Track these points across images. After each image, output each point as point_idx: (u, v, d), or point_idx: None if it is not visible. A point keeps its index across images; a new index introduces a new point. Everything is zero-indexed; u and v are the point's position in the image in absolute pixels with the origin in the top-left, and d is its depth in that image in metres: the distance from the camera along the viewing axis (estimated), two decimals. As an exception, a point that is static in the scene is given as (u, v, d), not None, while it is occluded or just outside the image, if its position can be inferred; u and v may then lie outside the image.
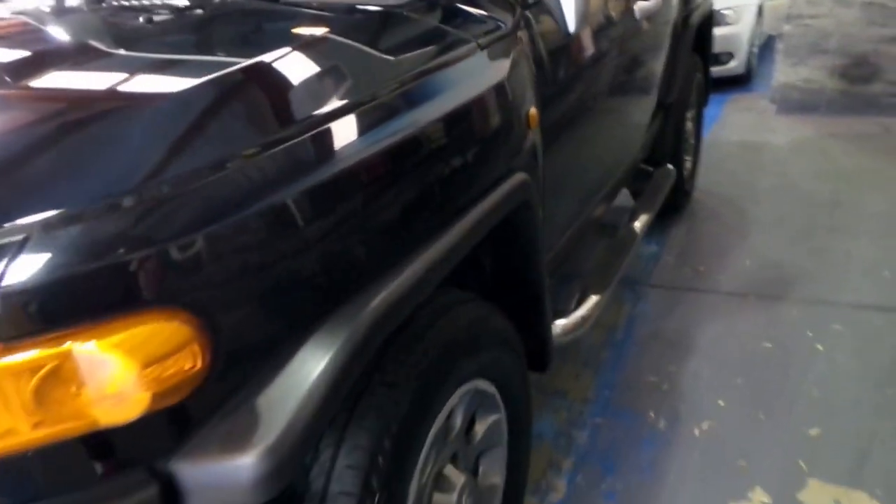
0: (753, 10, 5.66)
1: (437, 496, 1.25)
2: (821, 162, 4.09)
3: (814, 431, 1.96)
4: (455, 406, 1.26)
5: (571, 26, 1.55)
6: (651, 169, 3.04)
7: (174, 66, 1.07)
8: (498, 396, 1.41)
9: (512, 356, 1.42)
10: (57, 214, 0.73)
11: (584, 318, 1.93)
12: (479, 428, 1.39)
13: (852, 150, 4.22)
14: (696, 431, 2.00)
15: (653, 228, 3.15)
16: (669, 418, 2.06)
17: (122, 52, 1.15)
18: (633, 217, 2.57)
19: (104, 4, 1.55)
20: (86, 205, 0.74)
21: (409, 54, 1.19)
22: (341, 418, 1.01)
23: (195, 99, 0.90)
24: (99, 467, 0.78)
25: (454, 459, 1.31)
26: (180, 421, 0.81)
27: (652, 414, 2.09)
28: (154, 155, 0.82)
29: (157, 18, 1.34)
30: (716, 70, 4.53)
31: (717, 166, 4.05)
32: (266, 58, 1.02)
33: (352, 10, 1.33)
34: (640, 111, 2.58)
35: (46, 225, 0.72)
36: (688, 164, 3.47)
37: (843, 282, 2.73)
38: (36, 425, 0.72)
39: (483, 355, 1.29)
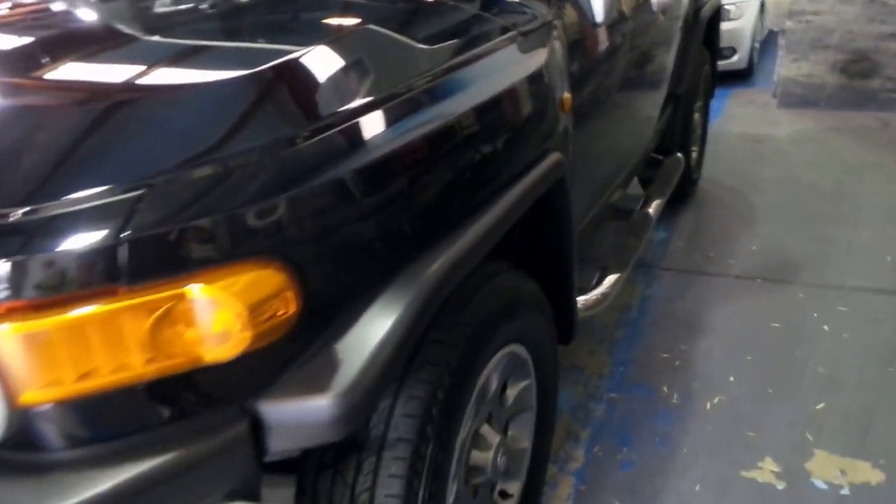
0: (756, 5, 5.75)
1: (474, 453, 1.34)
2: (822, 154, 4.18)
3: (820, 406, 2.05)
4: (492, 370, 1.35)
5: (598, 17, 1.63)
6: (661, 158, 3.13)
7: (250, 51, 1.15)
8: (530, 362, 1.50)
9: (544, 324, 1.51)
10: (172, 174, 0.81)
11: (604, 295, 2.02)
12: (511, 392, 1.47)
13: (852, 143, 4.32)
14: (708, 405, 2.09)
15: (662, 216, 3.23)
16: (682, 393, 2.15)
17: (201, 40, 1.24)
18: (647, 202, 2.66)
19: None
20: (196, 166, 0.82)
21: (457, 42, 1.27)
22: (399, 372, 1.09)
23: (281, 78, 0.99)
24: (198, 402, 0.87)
25: (489, 421, 1.40)
26: (269, 363, 0.89)
27: (665, 389, 2.18)
28: (249, 124, 0.90)
29: (214, 9, 1.42)
30: (719, 64, 4.61)
31: (722, 157, 4.14)
32: (335, 41, 1.10)
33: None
34: (654, 101, 2.66)
35: (164, 182, 0.81)
36: (694, 154, 3.56)
37: (847, 267, 2.83)
38: (148, 361, 0.81)
39: (520, 321, 1.38)
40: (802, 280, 2.76)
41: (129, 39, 1.27)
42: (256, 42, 1.20)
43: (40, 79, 1.07)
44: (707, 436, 1.97)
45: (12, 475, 0.82)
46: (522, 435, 1.54)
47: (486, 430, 1.37)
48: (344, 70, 1.08)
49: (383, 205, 1.02)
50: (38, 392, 0.78)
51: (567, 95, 1.47)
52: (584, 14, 1.65)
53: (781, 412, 2.04)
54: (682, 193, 3.42)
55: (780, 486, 1.78)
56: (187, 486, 0.86)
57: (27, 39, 1.29)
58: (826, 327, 2.43)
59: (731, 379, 2.20)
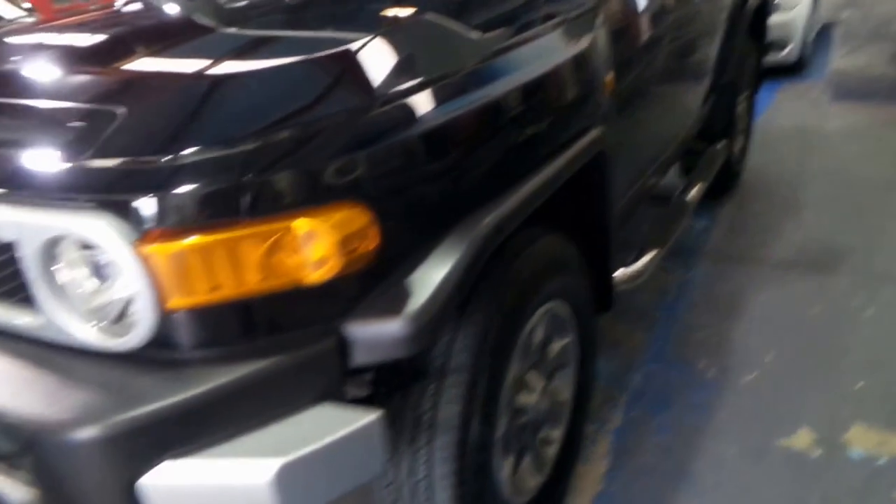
0: (809, -3, 5.78)
1: (521, 395, 1.54)
2: (875, 148, 4.23)
3: (859, 385, 2.17)
4: (537, 322, 1.54)
5: (641, 4, 1.82)
6: (703, 146, 3.27)
7: (335, 37, 1.38)
8: (570, 320, 1.69)
9: (583, 286, 1.70)
10: (283, 130, 1.04)
11: (642, 270, 2.19)
12: (554, 347, 1.67)
13: (907, 137, 4.36)
14: (745, 381, 2.24)
15: (703, 206, 3.37)
16: (719, 368, 2.31)
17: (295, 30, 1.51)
18: (687, 188, 2.81)
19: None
20: (302, 125, 1.06)
21: (509, 27, 1.48)
22: (458, 308, 1.30)
23: (363, 56, 1.22)
24: (296, 319, 1.09)
25: (535, 369, 1.59)
26: (354, 289, 1.11)
27: (702, 364, 2.34)
28: (338, 93, 1.13)
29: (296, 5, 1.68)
30: (770, 58, 4.67)
31: (769, 150, 4.23)
32: (420, 18, 1.33)
33: None
34: (696, 89, 2.81)
35: (277, 136, 1.04)
36: (738, 146, 3.67)
37: (894, 257, 2.92)
38: (261, 280, 1.03)
39: (561, 279, 1.57)
40: (845, 269, 2.86)
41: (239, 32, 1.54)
42: (339, 30, 1.43)
43: (176, 58, 1.33)
44: (743, 407, 2.12)
45: (152, 369, 1.06)
46: (564, 388, 1.73)
47: (531, 376, 1.57)
48: (416, 50, 1.29)
49: (447, 163, 1.23)
50: (179, 300, 1.01)
51: (610, 77, 1.66)
52: (628, 2, 1.84)
53: (819, 389, 2.16)
54: (725, 185, 3.54)
55: (816, 454, 1.91)
56: (286, 386, 1.08)
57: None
58: (869, 313, 2.55)
59: (768, 358, 2.35)
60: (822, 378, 2.22)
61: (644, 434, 2.04)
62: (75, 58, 1.46)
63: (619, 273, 2.13)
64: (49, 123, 1.17)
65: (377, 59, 1.23)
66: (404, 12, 1.43)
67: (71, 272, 1.08)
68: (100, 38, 1.59)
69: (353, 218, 1.06)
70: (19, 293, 1.12)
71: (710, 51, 2.85)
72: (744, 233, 3.29)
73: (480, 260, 1.23)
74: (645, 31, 1.99)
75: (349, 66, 1.21)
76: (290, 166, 1.03)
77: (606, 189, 1.70)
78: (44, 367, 1.10)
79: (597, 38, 1.63)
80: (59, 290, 1.08)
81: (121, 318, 1.07)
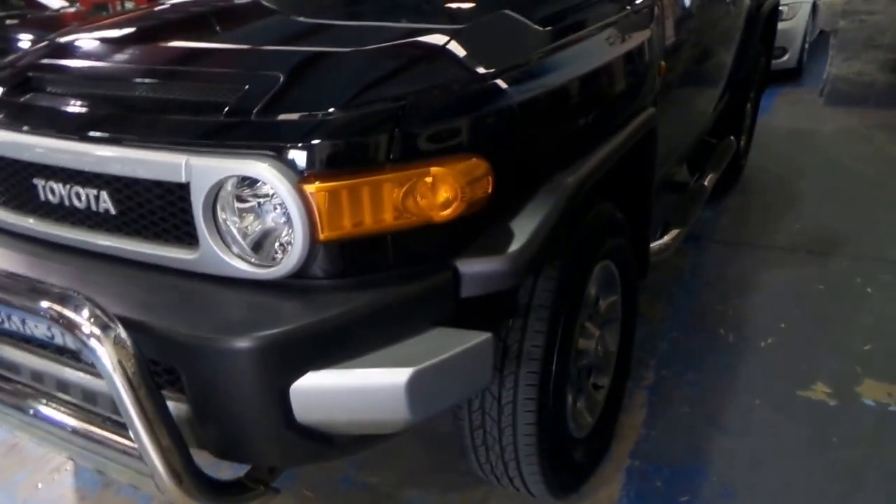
0: (808, 7, 6.01)
1: (581, 341, 1.71)
2: (866, 148, 4.46)
3: (867, 346, 2.38)
4: (595, 277, 1.72)
5: (688, 1, 2.01)
6: (714, 142, 3.46)
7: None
8: (618, 279, 1.87)
9: (628, 249, 1.88)
10: (421, 94, 1.23)
11: (667, 245, 2.39)
12: (604, 303, 1.84)
13: (897, 139, 4.58)
14: (763, 344, 2.44)
15: (708, 199, 3.55)
16: (737, 335, 2.50)
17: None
18: (702, 176, 3.00)
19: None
20: (435, 90, 1.24)
21: (586, 17, 1.67)
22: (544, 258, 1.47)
23: (482, 34, 1.44)
24: (421, 253, 1.26)
25: (590, 320, 1.77)
26: (469, 230, 1.28)
27: (722, 331, 2.53)
28: (457, 65, 1.32)
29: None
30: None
31: (768, 149, 4.44)
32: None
33: None
34: (717, 85, 3.01)
35: (416, 99, 1.22)
36: (742, 142, 3.87)
37: (889, 243, 3.13)
38: (397, 217, 1.20)
39: (612, 241, 1.76)
40: (845, 253, 3.07)
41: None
42: (444, 17, 1.63)
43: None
44: (763, 366, 2.31)
45: (297, 294, 1.22)
46: (612, 340, 1.91)
47: (589, 324, 1.74)
48: (514, 36, 1.50)
49: (541, 130, 1.42)
50: (329, 233, 1.18)
51: (663, 63, 1.85)
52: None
53: (831, 350, 2.36)
54: (729, 178, 3.70)
55: (833, 402, 2.12)
56: (410, 311, 1.25)
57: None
58: (870, 290, 2.75)
59: (782, 325, 2.54)
60: (833, 341, 2.43)
61: (675, 389, 2.22)
62: (218, 34, 1.66)
63: (651, 245, 2.31)
64: (221, 84, 1.33)
65: (485, 41, 1.42)
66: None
67: (227, 213, 1.24)
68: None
69: (474, 168, 1.24)
70: (176, 231, 1.28)
71: (730, 51, 3.06)
72: (748, 221, 3.49)
73: (566, 213, 1.41)
74: (689, 27, 2.18)
75: (462, 45, 1.39)
76: (426, 123, 1.21)
77: (653, 164, 1.88)
78: (199, 295, 1.25)
79: (655, 28, 1.81)
80: (218, 227, 1.24)
81: (269, 251, 1.23)
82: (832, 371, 2.26)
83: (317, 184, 1.15)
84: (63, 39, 1.73)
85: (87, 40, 1.70)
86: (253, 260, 1.24)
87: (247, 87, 1.26)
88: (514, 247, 1.28)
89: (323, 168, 1.15)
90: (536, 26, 1.55)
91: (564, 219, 1.40)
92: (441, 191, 1.21)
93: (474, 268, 1.28)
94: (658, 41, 1.85)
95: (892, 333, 2.45)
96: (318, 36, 1.58)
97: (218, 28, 1.74)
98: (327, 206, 1.16)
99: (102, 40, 1.70)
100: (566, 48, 1.53)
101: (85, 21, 2.01)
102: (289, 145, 1.16)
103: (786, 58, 5.92)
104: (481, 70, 1.34)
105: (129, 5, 7.80)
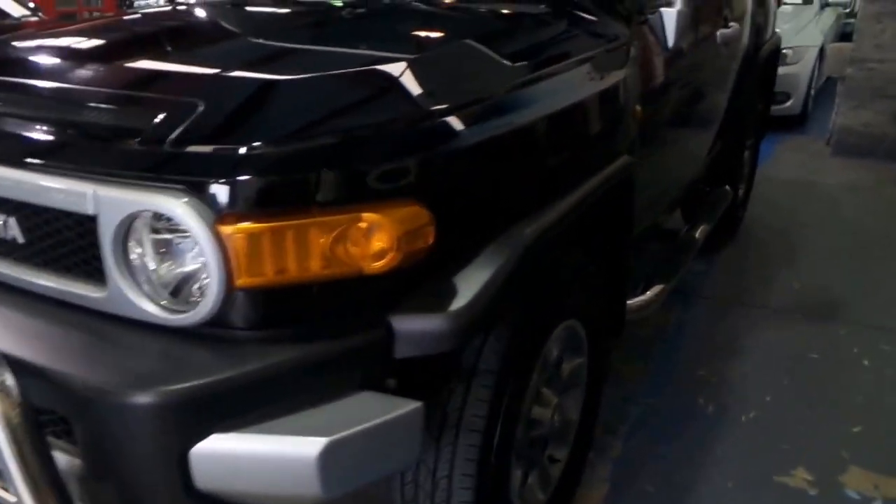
0: (815, 51, 6.14)
1: (536, 409, 1.67)
2: (873, 203, 4.51)
3: (856, 428, 2.34)
4: (556, 337, 1.69)
5: (670, 42, 2.02)
6: (708, 189, 3.48)
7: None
8: (585, 341, 1.84)
9: (600, 307, 1.85)
10: (357, 130, 1.20)
11: (648, 302, 2.36)
12: (567, 366, 1.81)
13: (907, 195, 4.64)
14: (743, 418, 2.40)
15: (703, 249, 3.55)
16: (718, 405, 2.47)
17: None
18: (693, 227, 3.01)
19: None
20: (373, 126, 1.21)
21: (553, 55, 1.67)
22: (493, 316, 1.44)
23: (432, 67, 1.41)
24: (351, 306, 1.22)
25: (549, 385, 1.73)
26: (406, 283, 1.24)
27: (701, 400, 2.50)
28: (404, 99, 1.30)
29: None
30: (772, 109, 4.96)
31: (769, 199, 4.47)
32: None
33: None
34: (708, 131, 3.03)
35: (350, 134, 1.18)
36: (741, 192, 3.89)
37: (893, 309, 3.13)
38: (323, 266, 1.16)
39: (581, 298, 1.73)
40: (844, 318, 3.07)
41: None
42: (396, 46, 1.62)
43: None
44: (741, 443, 2.27)
45: (209, 344, 1.18)
46: (573, 408, 1.87)
47: (546, 391, 1.70)
48: (472, 70, 1.47)
49: (496, 176, 1.40)
50: (247, 279, 1.14)
51: (639, 108, 1.85)
52: (658, 38, 2.04)
53: (817, 431, 2.32)
54: (726, 230, 3.73)
55: (813, 492, 2.06)
56: (334, 371, 1.21)
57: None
58: (867, 362, 2.74)
59: (768, 398, 2.51)
60: (820, 421, 2.39)
61: (643, 462, 2.18)
62: (153, 53, 1.63)
63: (629, 302, 2.29)
64: (140, 108, 1.31)
65: (439, 73, 1.40)
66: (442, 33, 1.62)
67: (141, 249, 1.20)
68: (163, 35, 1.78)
69: (414, 215, 1.21)
70: (85, 266, 1.24)
71: (723, 96, 3.08)
72: (743, 277, 3.49)
73: (522, 268, 1.38)
74: (670, 66, 2.19)
75: (412, 77, 1.37)
76: (361, 163, 1.18)
77: (630, 215, 1.87)
78: (103, 338, 1.22)
79: (629, 70, 1.82)
80: (129, 265, 1.20)
81: (185, 294, 1.19)
82: (816, 454, 2.22)
83: (235, 225, 1.12)
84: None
85: (6, 52, 1.68)
86: (164, 303, 1.20)
87: (167, 112, 1.23)
88: (458, 304, 1.25)
89: (242, 208, 1.12)
90: (499, 59, 1.54)
91: (519, 274, 1.38)
92: (375, 239, 1.18)
93: (410, 326, 1.24)
94: (634, 83, 1.85)
95: (885, 414, 2.43)
96: (260, 60, 1.56)
97: (158, 48, 1.71)
98: (246, 250, 1.13)
99: (22, 53, 1.68)
100: (530, 85, 1.51)
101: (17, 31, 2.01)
102: (205, 180, 1.12)
103: (789, 104, 6.03)
104: (430, 106, 1.32)
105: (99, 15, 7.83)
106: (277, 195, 1.13)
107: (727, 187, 3.52)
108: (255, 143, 1.15)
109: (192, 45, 1.79)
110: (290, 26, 1.96)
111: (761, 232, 4.04)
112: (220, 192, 1.12)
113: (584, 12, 1.90)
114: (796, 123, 6.27)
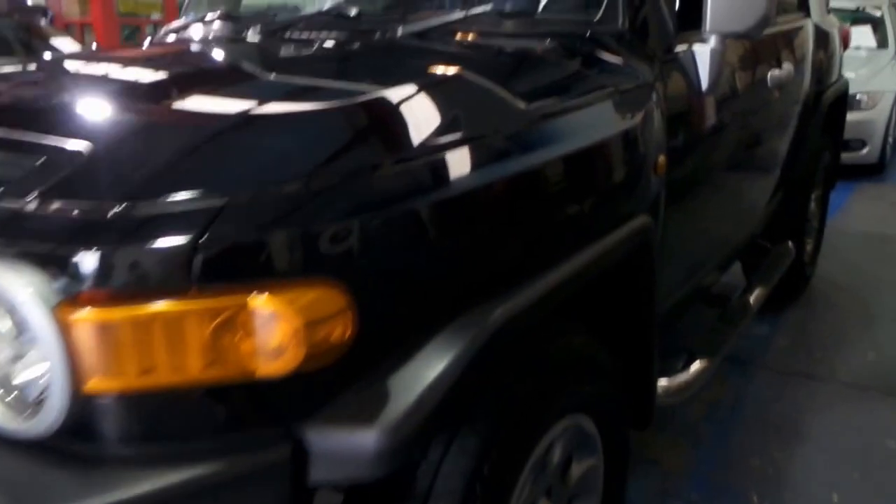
0: (891, 96, 5.56)
1: (531, 528, 1.30)
2: (962, 262, 3.91)
3: (940, 542, 1.86)
4: (555, 437, 1.32)
5: (704, 85, 1.65)
6: (769, 245, 3.03)
7: (342, 89, 1.25)
8: (598, 439, 1.45)
9: (615, 399, 1.47)
10: (252, 189, 0.89)
11: (688, 383, 1.95)
12: (576, 470, 1.42)
13: None
14: (804, 523, 1.94)
15: (766, 309, 3.10)
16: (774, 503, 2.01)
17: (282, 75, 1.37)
18: (748, 290, 2.57)
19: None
20: (274, 184, 0.90)
21: (549, 94, 1.33)
22: (453, 421, 1.09)
23: (363, 112, 1.07)
24: (245, 418, 0.90)
25: (549, 495, 1.35)
26: (319, 387, 0.92)
27: (755, 498, 2.04)
28: (330, 151, 0.98)
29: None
30: (846, 157, 4.47)
31: (840, 255, 3.95)
32: (425, 83, 1.19)
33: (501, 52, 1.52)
34: (763, 182, 2.61)
35: (243, 196, 0.88)
36: (808, 247, 3.42)
37: (983, 388, 2.59)
38: (205, 366, 0.86)
39: (588, 389, 1.35)
40: (928, 397, 2.54)
41: (240, 75, 1.42)
42: (348, 82, 1.31)
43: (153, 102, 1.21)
44: (800, 557, 1.82)
45: (63, 464, 0.88)
46: (583, 521, 1.48)
47: (544, 503, 1.33)
48: (429, 110, 1.14)
49: (454, 243, 1.06)
50: (102, 381, 0.84)
51: (662, 159, 1.48)
52: (690, 80, 1.67)
53: (893, 543, 1.86)
54: (792, 289, 3.27)
55: None
56: (228, 500, 0.89)
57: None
58: (954, 453, 2.22)
59: (834, 498, 2.03)
60: (900, 532, 1.90)
61: (679, 581, 1.74)
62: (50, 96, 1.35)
63: (663, 384, 1.88)
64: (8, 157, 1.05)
65: (386, 116, 1.09)
66: (432, 68, 1.30)
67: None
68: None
69: (325, 300, 0.89)
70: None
71: (781, 144, 2.67)
72: (810, 345, 2.99)
73: (484, 361, 1.03)
74: (707, 112, 1.82)
75: (349, 122, 1.06)
76: (256, 232, 0.87)
77: (650, 287, 1.49)
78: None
79: (650, 114, 1.46)
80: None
81: (25, 397, 0.90)
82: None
83: (83, 311, 0.83)
84: None
85: None
86: (5, 409, 0.91)
87: (43, 162, 0.97)
88: (394, 413, 0.92)
89: (95, 288, 0.83)
90: (468, 103, 1.21)
91: (485, 366, 1.03)
92: (271, 332, 0.86)
93: (329, 442, 0.91)
94: (657, 130, 1.48)
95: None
96: (172, 99, 1.24)
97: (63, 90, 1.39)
98: (98, 345, 0.83)
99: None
100: (513, 132, 1.18)
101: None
102: (48, 251, 0.84)
103: (865, 151, 5.45)
104: (354, 159, 0.99)
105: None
106: (140, 272, 0.84)
107: (790, 243, 3.06)
108: (116, 206, 0.86)
109: (103, 83, 1.45)
110: (222, 63, 1.64)
111: (831, 292, 3.52)
112: (65, 266, 0.83)
113: (600, 47, 1.55)
114: (873, 172, 5.66)
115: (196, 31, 1.87)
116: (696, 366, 2.00)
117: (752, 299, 2.51)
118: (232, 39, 1.75)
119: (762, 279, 2.68)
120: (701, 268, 2.16)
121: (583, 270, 1.23)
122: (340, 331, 0.90)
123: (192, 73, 1.48)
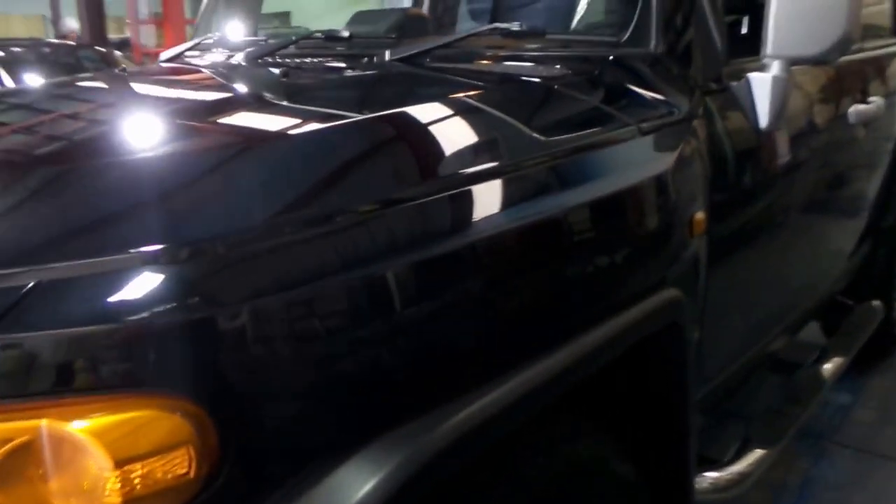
0: None
1: None
2: None
3: None
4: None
5: (763, 122, 1.29)
6: (851, 303, 2.58)
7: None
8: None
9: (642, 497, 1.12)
10: (67, 264, 0.62)
11: (742, 475, 1.57)
12: None
13: None
14: None
15: (847, 375, 2.65)
16: None
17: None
18: (823, 357, 2.14)
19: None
20: (98, 255, 0.63)
21: (550, 131, 1.01)
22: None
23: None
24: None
25: None
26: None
27: None
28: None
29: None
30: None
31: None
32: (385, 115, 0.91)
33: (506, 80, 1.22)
34: (844, 234, 2.21)
35: (55, 275, 0.61)
36: (897, 305, 2.92)
37: None
38: (-6, 508, 0.60)
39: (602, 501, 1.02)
40: None
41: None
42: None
43: None
44: None
45: None
46: None
47: None
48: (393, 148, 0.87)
49: (388, 324, 0.75)
50: None
51: (700, 216, 1.12)
52: (746, 115, 1.31)
53: None
54: (878, 354, 2.80)
55: None
56: None
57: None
58: None
59: None
60: None
61: None
62: None
63: (711, 477, 1.51)
64: None
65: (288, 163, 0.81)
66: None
67: None
68: None
69: (159, 424, 0.60)
70: None
71: (868, 188, 2.26)
72: (897, 420, 2.51)
73: (421, 492, 0.73)
74: (768, 155, 1.45)
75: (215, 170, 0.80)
76: (63, 323, 0.60)
77: (680, 371, 1.14)
78: None
79: (684, 160, 1.11)
80: None
81: None
82: None
83: None
84: None
85: None
86: None
87: None
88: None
89: None
90: (426, 148, 0.91)
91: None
92: (72, 469, 0.59)
93: None
94: (693, 180, 1.13)
95: None
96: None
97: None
98: None
99: None
100: (473, 183, 0.86)
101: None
102: None
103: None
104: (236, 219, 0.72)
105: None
106: None
107: (877, 301, 2.59)
108: None
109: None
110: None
111: (928, 355, 2.98)
112: None
113: (624, 74, 1.22)
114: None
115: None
116: (752, 454, 1.62)
117: (827, 369, 2.09)
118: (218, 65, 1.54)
119: (842, 344, 2.25)
120: (762, 335, 1.78)
121: (580, 363, 0.91)
122: (184, 466, 0.61)
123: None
